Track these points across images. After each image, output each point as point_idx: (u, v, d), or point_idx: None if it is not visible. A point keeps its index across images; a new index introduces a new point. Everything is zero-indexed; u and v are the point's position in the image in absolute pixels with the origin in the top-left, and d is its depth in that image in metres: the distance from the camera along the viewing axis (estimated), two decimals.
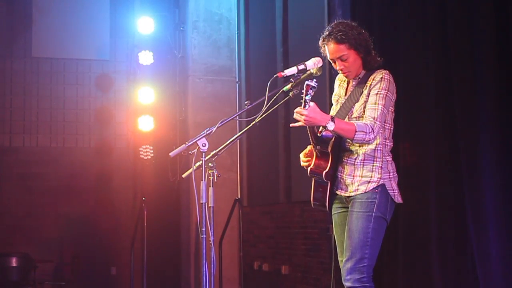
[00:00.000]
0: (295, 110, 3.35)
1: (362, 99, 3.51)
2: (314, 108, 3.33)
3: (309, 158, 3.63)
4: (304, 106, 3.31)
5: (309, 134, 3.52)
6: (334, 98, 3.77)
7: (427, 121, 4.65)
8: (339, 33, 3.51)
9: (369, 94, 3.49)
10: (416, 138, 4.82)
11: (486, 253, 4.06)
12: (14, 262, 8.21)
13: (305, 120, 3.33)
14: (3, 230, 9.05)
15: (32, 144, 9.47)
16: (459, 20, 4.33)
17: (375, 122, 3.40)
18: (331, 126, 3.33)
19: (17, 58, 9.50)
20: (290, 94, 3.60)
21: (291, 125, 3.47)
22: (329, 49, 3.56)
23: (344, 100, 3.64)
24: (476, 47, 4.19)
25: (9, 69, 9.47)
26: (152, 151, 9.20)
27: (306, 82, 3.30)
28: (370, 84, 3.50)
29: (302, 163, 3.69)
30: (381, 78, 3.49)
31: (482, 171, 4.10)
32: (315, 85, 3.32)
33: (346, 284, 3.44)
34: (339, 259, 3.66)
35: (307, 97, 3.31)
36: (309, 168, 3.57)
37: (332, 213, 3.69)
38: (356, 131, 3.35)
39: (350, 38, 3.50)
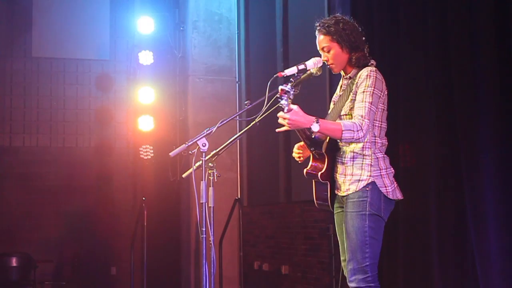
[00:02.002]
0: (278, 115, 3.34)
1: (350, 97, 3.52)
2: (297, 111, 3.32)
3: (301, 151, 3.67)
4: (283, 110, 3.29)
5: (301, 138, 3.53)
6: (333, 98, 3.77)
7: (427, 121, 4.65)
8: (325, 25, 3.57)
9: (356, 92, 3.49)
10: (416, 138, 4.82)
11: (486, 253, 4.05)
12: (14, 262, 8.22)
13: (288, 124, 3.31)
14: (3, 230, 9.05)
15: (32, 144, 9.47)
16: (460, 20, 4.33)
17: (363, 120, 3.37)
18: (315, 127, 3.31)
19: (17, 58, 9.50)
20: None
21: (276, 130, 3.45)
22: (317, 40, 3.63)
23: (337, 99, 3.65)
24: (476, 47, 4.19)
25: (9, 69, 9.47)
26: (152, 151, 9.20)
27: (280, 87, 3.30)
28: (357, 82, 3.50)
29: (293, 154, 3.70)
30: (367, 75, 3.47)
31: (482, 171, 4.10)
32: (289, 90, 3.30)
33: (351, 285, 3.43)
34: (341, 258, 3.67)
35: (282, 102, 3.28)
36: (305, 170, 3.59)
37: (334, 212, 3.70)
38: (343, 131, 3.33)
39: (334, 32, 3.54)
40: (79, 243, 9.29)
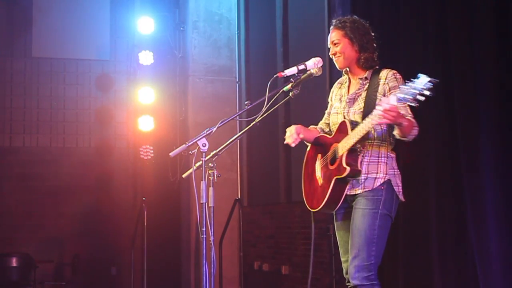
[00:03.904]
0: (386, 108, 3.19)
1: (378, 95, 3.50)
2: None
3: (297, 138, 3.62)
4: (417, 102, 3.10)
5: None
6: (336, 98, 3.75)
7: (427, 121, 4.65)
8: (341, 21, 3.64)
9: (384, 91, 3.49)
10: (416, 137, 4.82)
11: (486, 253, 4.06)
12: (14, 262, 8.21)
13: (393, 117, 3.23)
14: (3, 230, 9.06)
15: (32, 144, 9.47)
16: (459, 20, 4.33)
17: (413, 118, 3.43)
18: (405, 121, 3.33)
19: (17, 58, 9.51)
20: (290, 94, 3.60)
21: (377, 122, 3.34)
22: (330, 36, 3.67)
23: (355, 97, 3.61)
24: (476, 47, 4.19)
25: (9, 69, 9.48)
26: (152, 151, 9.20)
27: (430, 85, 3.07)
28: (384, 83, 3.51)
29: (291, 136, 3.65)
30: (395, 77, 3.51)
31: (482, 171, 4.10)
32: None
33: (354, 282, 3.43)
34: (342, 259, 3.66)
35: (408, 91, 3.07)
36: (348, 168, 3.43)
37: (334, 212, 3.67)
38: (413, 126, 3.38)
39: (348, 28, 3.59)
40: (79, 243, 9.29)
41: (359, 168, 3.44)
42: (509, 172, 3.99)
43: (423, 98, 3.03)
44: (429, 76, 3.03)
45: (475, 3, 4.20)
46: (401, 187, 3.54)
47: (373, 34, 3.65)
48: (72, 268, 9.08)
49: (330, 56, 3.66)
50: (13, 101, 9.46)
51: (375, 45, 3.64)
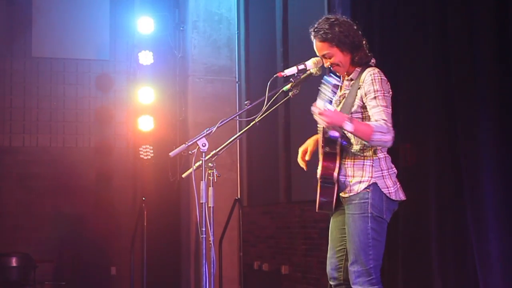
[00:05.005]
0: (317, 112, 3.27)
1: (355, 102, 3.45)
2: (334, 110, 3.30)
3: (305, 162, 3.66)
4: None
5: (321, 135, 3.48)
6: (334, 99, 3.74)
7: (427, 121, 4.65)
8: (321, 31, 3.47)
9: (361, 97, 3.43)
10: (416, 138, 4.82)
11: (486, 253, 4.06)
12: (14, 262, 8.21)
13: (327, 122, 3.26)
14: (3, 230, 9.05)
15: (32, 144, 9.46)
16: (459, 20, 4.33)
17: (386, 123, 3.31)
18: (348, 126, 3.24)
19: (17, 58, 9.50)
20: (290, 94, 3.60)
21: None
22: (315, 46, 3.54)
23: (340, 99, 3.60)
24: (476, 47, 4.19)
25: (9, 69, 9.47)
26: (152, 151, 9.20)
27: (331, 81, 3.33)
28: (362, 86, 3.44)
29: (299, 160, 3.67)
30: (372, 80, 3.41)
31: (482, 171, 4.10)
32: (339, 83, 3.45)
33: (355, 287, 3.40)
34: (328, 255, 3.62)
35: (328, 94, 3.30)
36: (319, 172, 3.48)
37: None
38: (374, 132, 3.25)
39: (332, 38, 3.45)
40: (79, 243, 9.28)
41: (333, 173, 3.43)
42: (509, 172, 3.99)
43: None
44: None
45: (475, 3, 4.19)
46: (392, 188, 3.44)
47: (355, 24, 3.53)
48: (72, 268, 9.08)
49: (326, 66, 3.56)
50: (13, 101, 9.45)
51: (360, 32, 3.53)
